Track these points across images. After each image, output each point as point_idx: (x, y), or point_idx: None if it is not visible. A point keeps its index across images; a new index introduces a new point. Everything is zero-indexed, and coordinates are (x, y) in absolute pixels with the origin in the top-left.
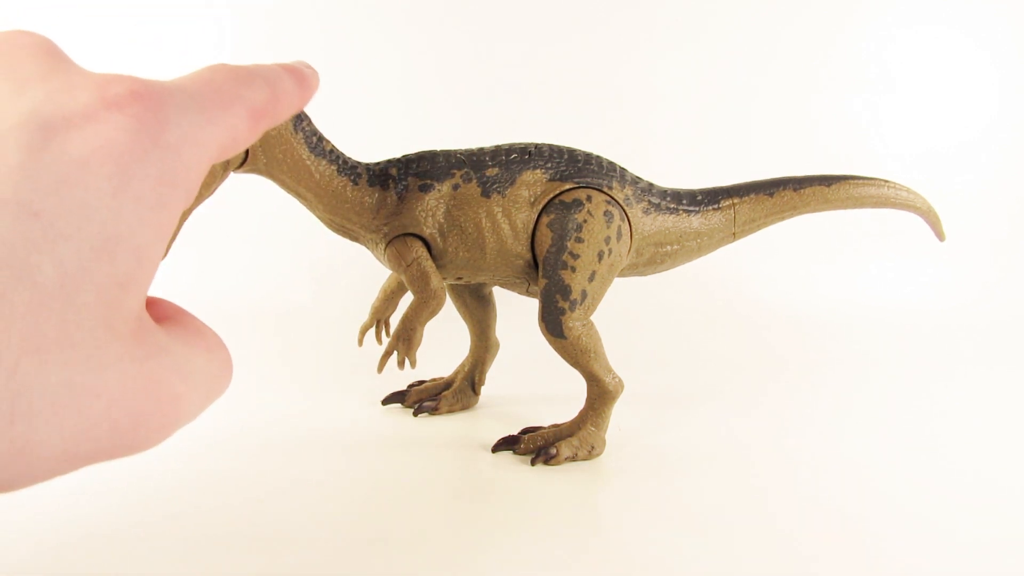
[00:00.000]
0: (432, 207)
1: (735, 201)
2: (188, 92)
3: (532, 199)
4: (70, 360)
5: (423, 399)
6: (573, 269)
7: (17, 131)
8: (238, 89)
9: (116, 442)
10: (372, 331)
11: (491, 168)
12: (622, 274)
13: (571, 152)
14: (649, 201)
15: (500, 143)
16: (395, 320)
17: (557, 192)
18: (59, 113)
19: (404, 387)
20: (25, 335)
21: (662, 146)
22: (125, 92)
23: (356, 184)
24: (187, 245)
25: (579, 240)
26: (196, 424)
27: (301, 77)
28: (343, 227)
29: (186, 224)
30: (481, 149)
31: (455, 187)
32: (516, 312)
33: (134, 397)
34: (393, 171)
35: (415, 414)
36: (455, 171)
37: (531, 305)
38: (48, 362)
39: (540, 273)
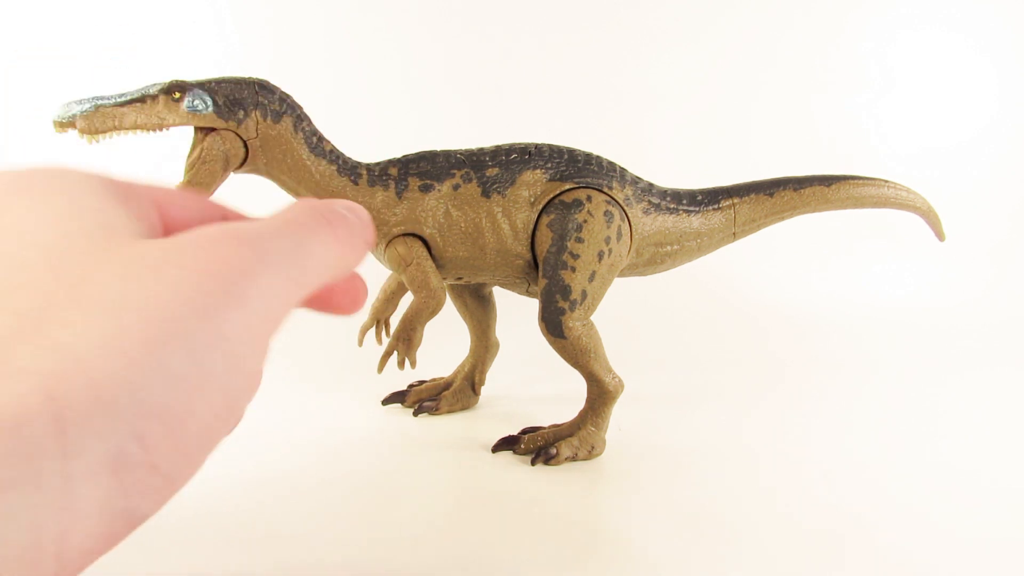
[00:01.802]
0: (432, 207)
1: (735, 201)
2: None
3: (532, 199)
4: None
5: (423, 399)
6: (573, 269)
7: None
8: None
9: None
10: (372, 331)
11: (491, 168)
12: (622, 274)
13: (571, 152)
14: (649, 201)
15: (500, 143)
16: (395, 320)
17: (557, 192)
18: None
19: (404, 387)
20: None
21: (662, 146)
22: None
23: (356, 184)
24: None
25: (579, 240)
26: None
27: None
28: None
29: None
30: (481, 149)
31: (455, 187)
32: (516, 312)
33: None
34: (393, 171)
35: (415, 414)
36: (455, 171)
37: (531, 305)
38: None
39: (540, 273)
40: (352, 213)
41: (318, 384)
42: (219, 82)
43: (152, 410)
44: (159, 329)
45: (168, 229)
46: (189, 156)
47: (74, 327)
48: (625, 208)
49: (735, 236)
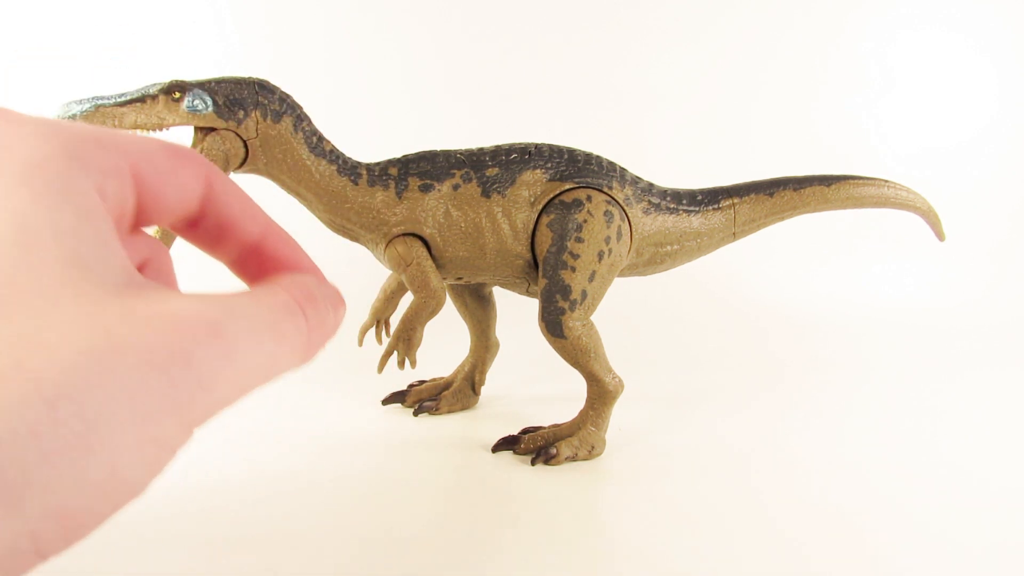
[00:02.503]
0: (432, 207)
1: (735, 201)
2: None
3: (532, 199)
4: None
5: (423, 399)
6: (573, 269)
7: None
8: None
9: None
10: (372, 331)
11: (491, 168)
12: (622, 274)
13: (571, 152)
14: (649, 201)
15: (500, 143)
16: (395, 320)
17: (557, 192)
18: None
19: (404, 387)
20: None
21: (662, 146)
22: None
23: (356, 184)
24: (188, 244)
25: (579, 240)
26: None
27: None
28: (343, 227)
29: None
30: (481, 149)
31: (455, 187)
32: (516, 312)
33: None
34: (393, 171)
35: (415, 414)
36: (455, 171)
37: (531, 305)
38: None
39: (540, 273)
40: (331, 314)
41: (318, 384)
42: (219, 82)
43: (54, 512)
44: (90, 429)
45: (143, 212)
46: None
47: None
48: (625, 208)
49: (735, 236)
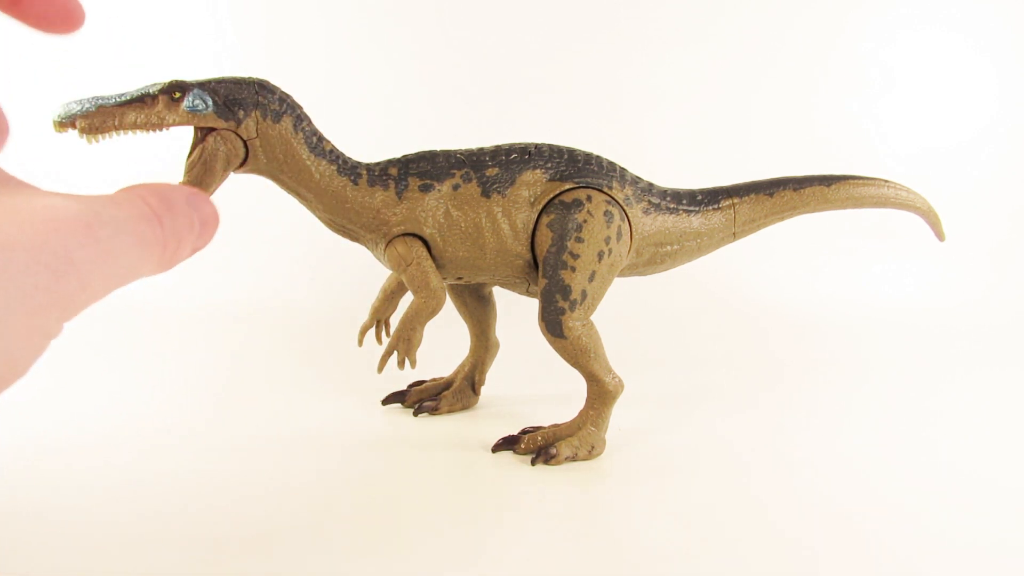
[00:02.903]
0: (432, 207)
1: (735, 201)
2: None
3: (532, 199)
4: None
5: (423, 399)
6: (573, 269)
7: None
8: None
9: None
10: (372, 331)
11: (491, 168)
12: (622, 274)
13: (571, 152)
14: (649, 201)
15: (500, 143)
16: (395, 320)
17: (557, 192)
18: None
19: (404, 387)
20: None
21: (662, 146)
22: None
23: (356, 184)
24: None
25: (579, 240)
26: (194, 422)
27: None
28: (343, 227)
29: None
30: (481, 149)
31: (455, 187)
32: (516, 312)
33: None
34: (393, 171)
35: (415, 414)
36: (455, 171)
37: (531, 305)
38: None
39: (540, 273)
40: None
41: (318, 384)
42: (219, 82)
43: None
44: None
45: None
46: (189, 156)
47: None
48: (625, 208)
49: (735, 236)
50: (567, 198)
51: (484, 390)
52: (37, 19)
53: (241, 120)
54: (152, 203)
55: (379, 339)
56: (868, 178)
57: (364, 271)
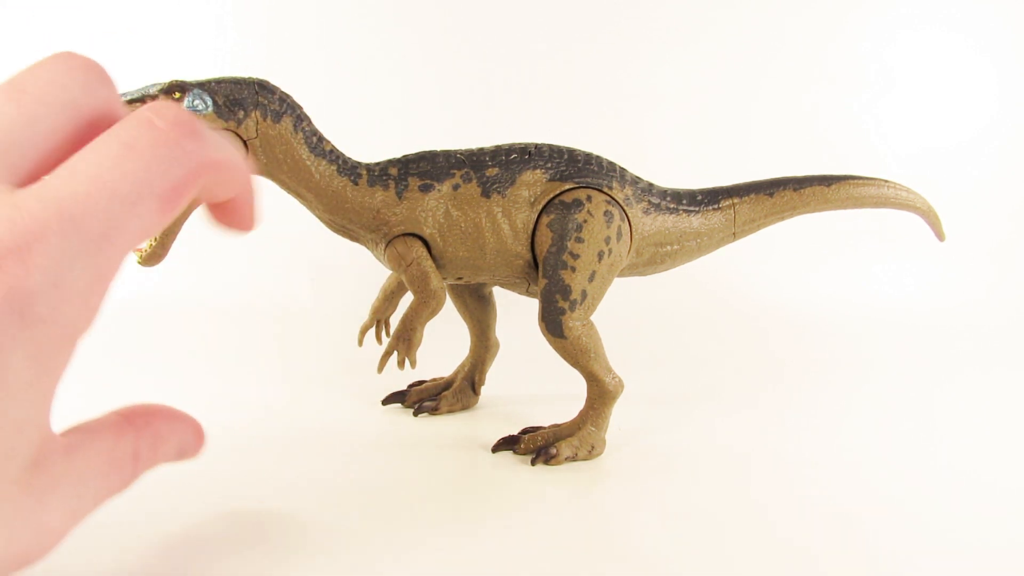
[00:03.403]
0: (432, 207)
1: (735, 201)
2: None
3: (532, 199)
4: None
5: (423, 399)
6: (573, 269)
7: None
8: (149, 182)
9: None
10: (372, 331)
11: (491, 168)
12: (622, 274)
13: (571, 152)
14: (649, 201)
15: (500, 143)
16: (395, 320)
17: (557, 192)
18: None
19: (404, 387)
20: None
21: (662, 146)
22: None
23: (356, 184)
24: (187, 244)
25: (579, 240)
26: None
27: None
28: (343, 227)
29: (186, 223)
30: (481, 149)
31: (455, 187)
32: (516, 312)
33: (13, 538)
34: (393, 171)
35: (415, 414)
36: (455, 171)
37: (531, 305)
38: None
39: (540, 273)
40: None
41: (318, 384)
42: (219, 82)
43: None
44: None
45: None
46: None
47: None
48: (625, 208)
49: (735, 236)
50: (567, 198)
51: (484, 390)
52: (229, 226)
53: (241, 120)
54: (138, 445)
55: (379, 339)
56: (868, 178)
57: (364, 271)
